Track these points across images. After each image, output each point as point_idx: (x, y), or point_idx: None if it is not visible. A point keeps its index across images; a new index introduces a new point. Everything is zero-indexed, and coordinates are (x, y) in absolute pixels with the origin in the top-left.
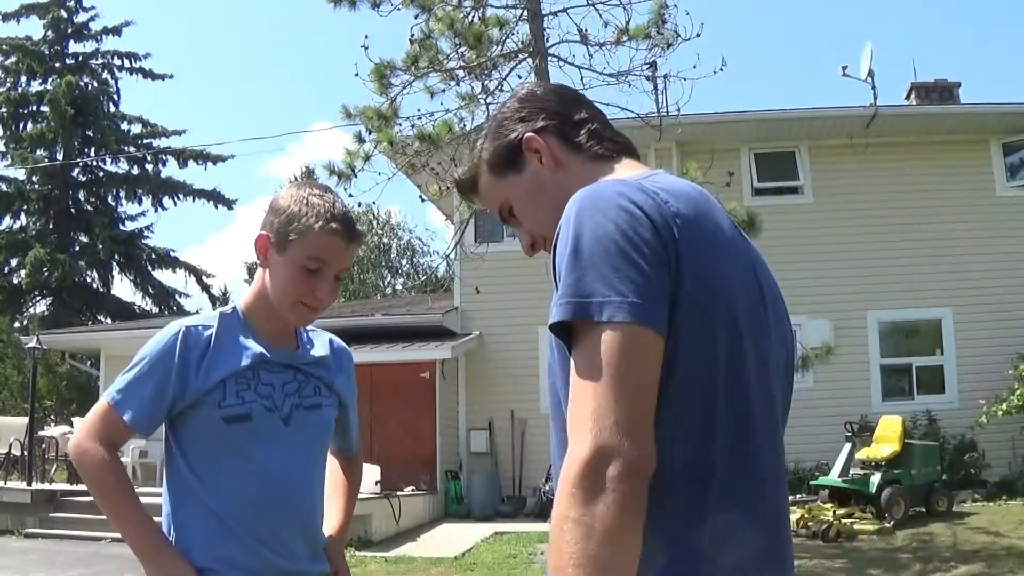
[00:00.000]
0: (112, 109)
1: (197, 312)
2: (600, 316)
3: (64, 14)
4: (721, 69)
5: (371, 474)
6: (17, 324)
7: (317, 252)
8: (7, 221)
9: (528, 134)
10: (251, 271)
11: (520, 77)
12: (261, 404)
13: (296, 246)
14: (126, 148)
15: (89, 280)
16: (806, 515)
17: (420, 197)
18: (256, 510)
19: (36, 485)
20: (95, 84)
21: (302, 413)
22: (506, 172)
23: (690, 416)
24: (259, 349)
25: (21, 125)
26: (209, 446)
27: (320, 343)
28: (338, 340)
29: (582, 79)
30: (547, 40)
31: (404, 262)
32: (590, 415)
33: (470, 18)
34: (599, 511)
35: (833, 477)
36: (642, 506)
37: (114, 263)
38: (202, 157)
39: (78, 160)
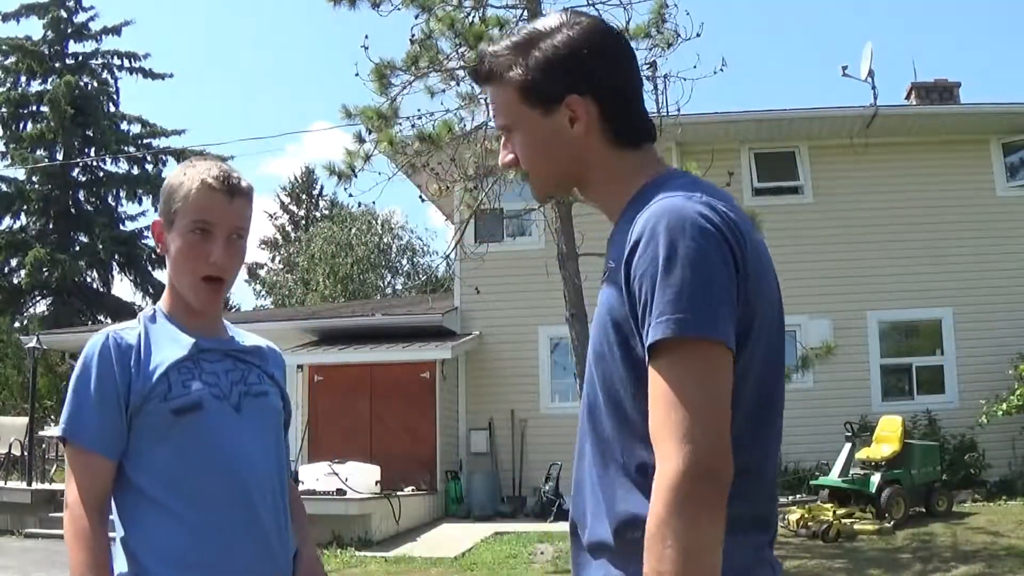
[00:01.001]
0: (112, 109)
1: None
2: (697, 334)
3: (64, 14)
4: (721, 69)
5: (371, 474)
6: (17, 324)
7: (199, 213)
8: (7, 221)
9: (574, 96)
10: (251, 271)
11: None
12: (209, 392)
13: (180, 215)
14: (126, 148)
15: (89, 280)
16: (806, 515)
17: (420, 197)
18: (227, 502)
19: (36, 485)
20: (95, 84)
21: (251, 400)
22: (534, 106)
23: (744, 425)
24: (192, 339)
25: (21, 125)
26: (164, 447)
27: (252, 340)
28: (269, 343)
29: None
30: None
31: (404, 262)
32: (687, 428)
33: (470, 18)
34: (699, 525)
35: (833, 477)
36: (724, 517)
37: (114, 263)
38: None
39: (78, 160)
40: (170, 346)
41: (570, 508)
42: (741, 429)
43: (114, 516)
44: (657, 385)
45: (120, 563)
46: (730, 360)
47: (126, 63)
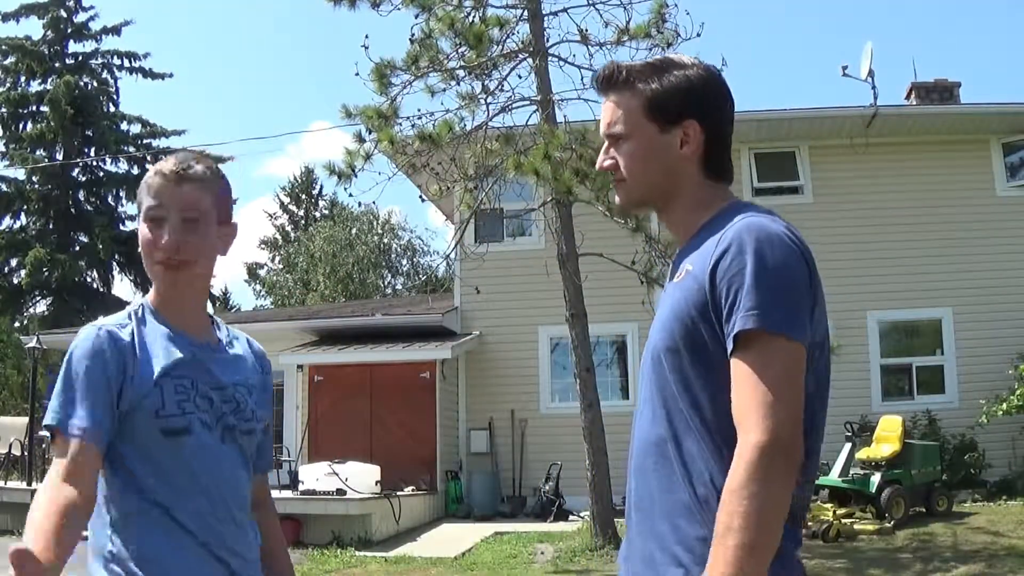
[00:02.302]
0: (112, 109)
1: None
2: (781, 330)
3: (64, 14)
4: (721, 69)
5: (371, 474)
6: (17, 324)
7: (151, 199)
8: (7, 221)
9: (694, 122)
10: (251, 271)
11: (520, 77)
12: (199, 419)
13: (140, 207)
14: (126, 148)
15: (89, 280)
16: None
17: (420, 197)
18: (207, 521)
19: (36, 485)
20: (95, 84)
21: (235, 436)
22: (655, 119)
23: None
24: (185, 343)
25: (21, 125)
26: (148, 464)
27: (240, 346)
28: (257, 345)
29: (582, 79)
30: (547, 40)
31: (404, 262)
32: (770, 405)
33: (470, 18)
34: (772, 491)
35: (833, 477)
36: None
37: (114, 263)
38: None
39: (78, 160)
40: (164, 354)
41: (630, 492)
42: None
43: (102, 521)
44: (742, 372)
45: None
46: (805, 360)
47: (126, 63)
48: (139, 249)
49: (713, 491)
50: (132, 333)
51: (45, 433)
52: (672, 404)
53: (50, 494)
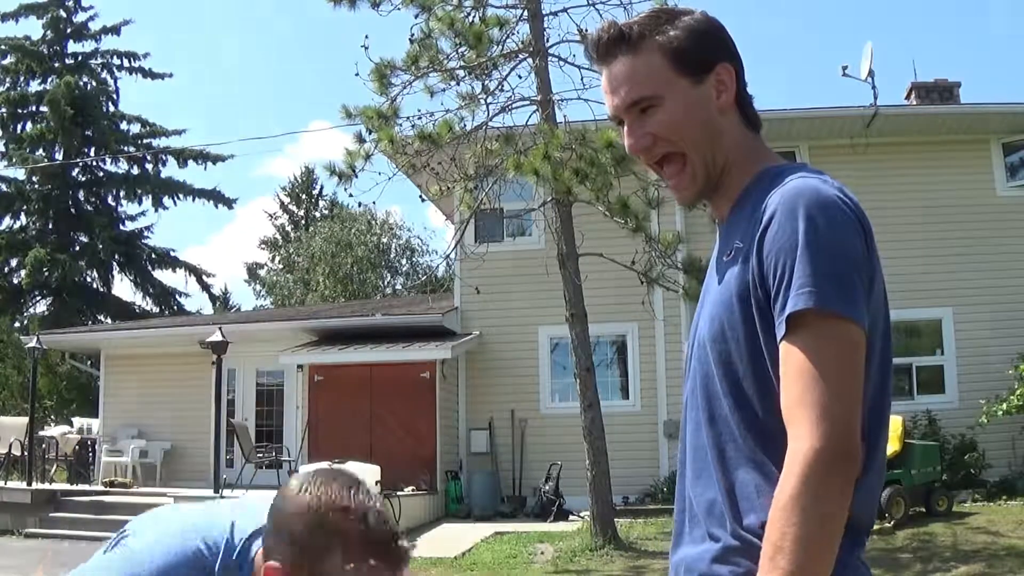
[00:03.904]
0: (111, 109)
1: (196, 312)
2: (836, 310)
3: (63, 14)
4: None
5: (371, 474)
6: (17, 324)
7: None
8: (7, 221)
9: (726, 64)
10: (251, 271)
11: (520, 77)
12: None
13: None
14: (126, 148)
15: (89, 280)
16: None
17: (420, 197)
18: None
19: (36, 485)
20: (94, 84)
21: None
22: (684, 73)
23: (866, 411)
24: None
25: (21, 125)
26: None
27: None
28: None
29: (582, 79)
30: (547, 40)
31: (404, 262)
32: (825, 406)
33: (470, 18)
34: (827, 506)
35: None
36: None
37: (114, 263)
38: (202, 157)
39: (78, 160)
40: None
41: (682, 485)
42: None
43: None
44: (793, 359)
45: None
46: (864, 341)
47: (126, 63)
48: None
49: (758, 506)
50: None
51: (45, 433)
52: (716, 405)
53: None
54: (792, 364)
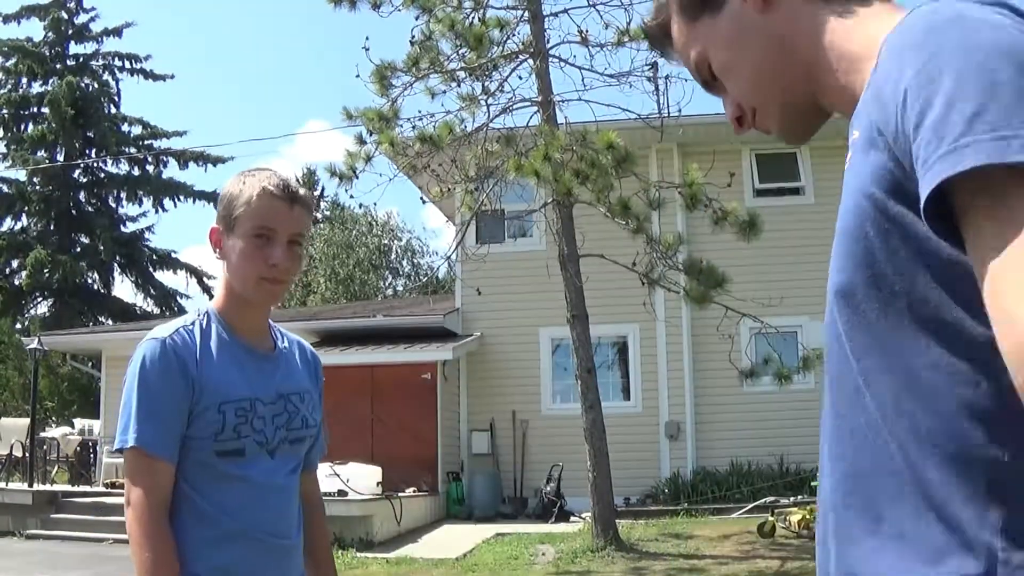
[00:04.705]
0: (113, 110)
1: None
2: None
3: (64, 15)
4: None
5: (372, 475)
6: (18, 325)
7: (261, 219)
8: (8, 222)
9: None
10: None
11: (521, 78)
12: (254, 439)
13: (242, 221)
14: (127, 149)
15: (90, 281)
16: (807, 516)
17: (421, 199)
18: (260, 534)
19: (37, 486)
20: (96, 85)
21: (287, 446)
22: (699, 14)
23: None
24: (247, 354)
25: (22, 126)
26: (199, 468)
27: (295, 350)
28: (310, 348)
29: (583, 80)
30: (548, 41)
31: (405, 263)
32: None
33: (470, 19)
34: None
35: None
36: None
37: (115, 264)
38: (202, 158)
39: (79, 161)
40: (226, 371)
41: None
42: None
43: None
44: (986, 233)
45: None
46: None
47: (127, 64)
48: (225, 258)
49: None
50: (197, 344)
51: (46, 434)
52: (840, 394)
53: (140, 527)
54: (982, 239)
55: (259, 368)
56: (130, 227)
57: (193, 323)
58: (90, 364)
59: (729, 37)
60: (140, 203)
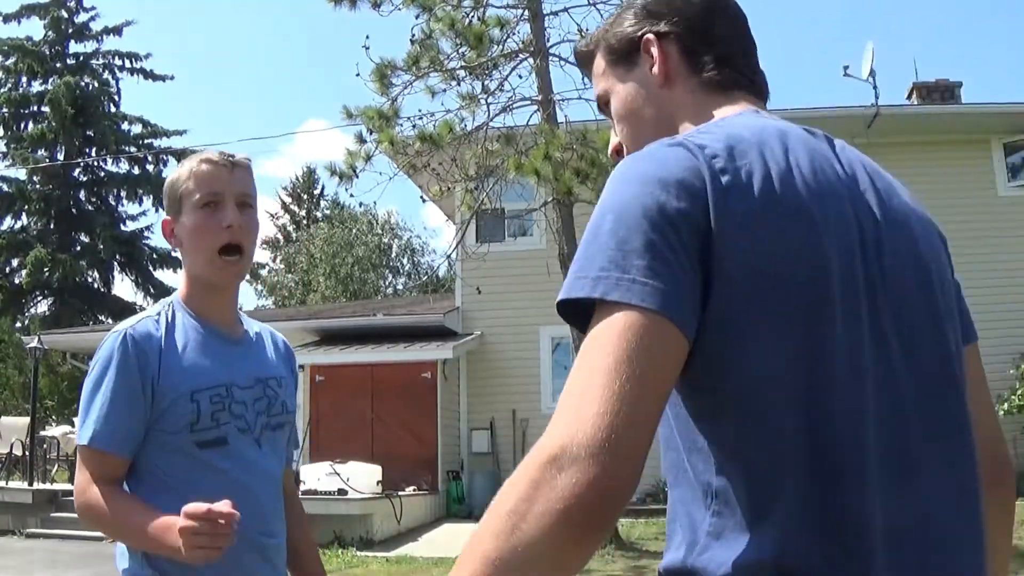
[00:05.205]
0: (113, 109)
1: None
2: (593, 293)
3: (64, 14)
4: None
5: (372, 474)
6: (18, 324)
7: (206, 186)
8: (8, 221)
9: (648, 35)
10: (252, 271)
11: (521, 77)
12: (235, 425)
13: (186, 197)
14: (127, 148)
15: (90, 280)
16: None
17: (421, 198)
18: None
19: (37, 485)
20: (96, 84)
21: (270, 433)
22: (617, 64)
23: (750, 426)
24: (218, 340)
25: (22, 125)
26: (182, 462)
27: (266, 337)
28: (281, 337)
29: (583, 79)
30: (548, 40)
31: (405, 262)
32: (572, 402)
33: (470, 18)
34: (533, 516)
35: None
36: (594, 540)
37: (115, 263)
38: None
39: (79, 160)
40: (197, 359)
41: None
42: None
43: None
44: None
45: (130, 561)
46: (652, 329)
47: (127, 63)
48: (180, 246)
49: None
50: (162, 334)
51: (46, 433)
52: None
53: (86, 501)
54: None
55: (232, 353)
56: (130, 226)
57: (159, 314)
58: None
59: (631, 94)
60: (140, 202)
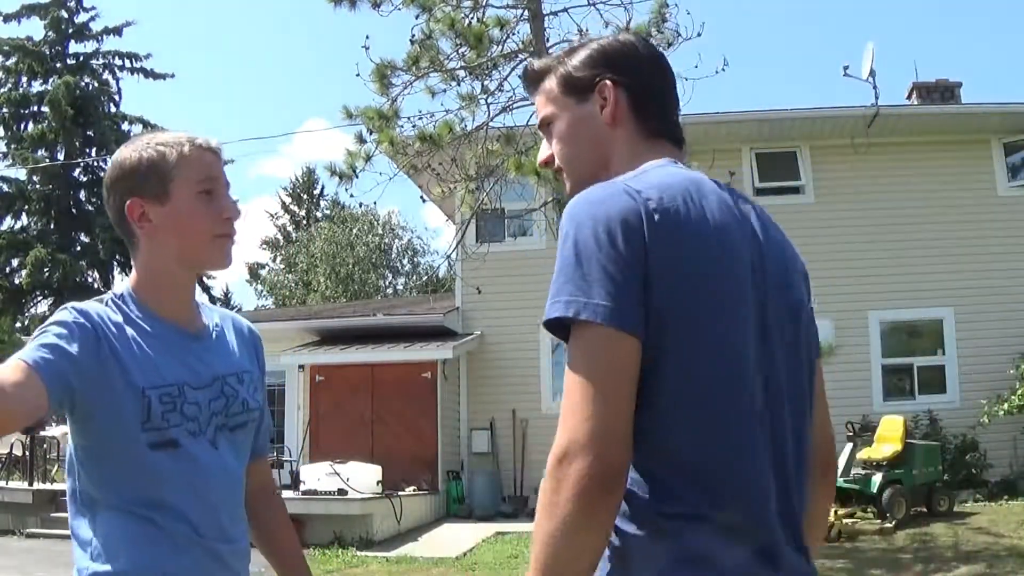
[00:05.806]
0: (113, 109)
1: None
2: (567, 313)
3: (65, 14)
4: (723, 69)
5: (372, 474)
6: (18, 324)
7: (203, 172)
8: (8, 221)
9: (607, 80)
10: (252, 271)
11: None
12: (185, 428)
13: (181, 182)
14: None
15: (90, 280)
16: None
17: (421, 198)
18: (198, 527)
19: (37, 485)
20: (96, 84)
21: (227, 434)
22: (570, 95)
23: (685, 415)
24: (173, 335)
25: (22, 125)
26: (135, 470)
27: (229, 327)
28: (247, 324)
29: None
30: (548, 40)
31: (405, 262)
32: (567, 410)
33: (470, 18)
34: (561, 503)
35: None
36: (607, 505)
37: (115, 263)
38: None
39: (79, 160)
40: (150, 353)
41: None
42: None
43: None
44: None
45: (91, 563)
46: (614, 342)
47: (127, 63)
48: (149, 234)
49: None
50: (109, 323)
51: (46, 433)
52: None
53: None
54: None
55: (188, 350)
56: None
57: (106, 303)
58: None
59: (579, 124)
60: None
